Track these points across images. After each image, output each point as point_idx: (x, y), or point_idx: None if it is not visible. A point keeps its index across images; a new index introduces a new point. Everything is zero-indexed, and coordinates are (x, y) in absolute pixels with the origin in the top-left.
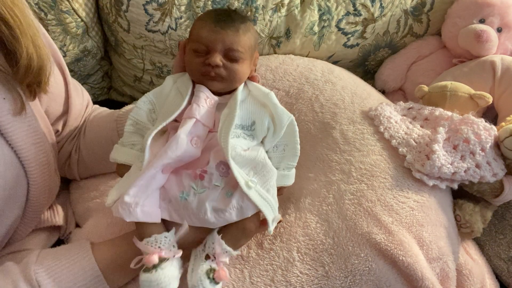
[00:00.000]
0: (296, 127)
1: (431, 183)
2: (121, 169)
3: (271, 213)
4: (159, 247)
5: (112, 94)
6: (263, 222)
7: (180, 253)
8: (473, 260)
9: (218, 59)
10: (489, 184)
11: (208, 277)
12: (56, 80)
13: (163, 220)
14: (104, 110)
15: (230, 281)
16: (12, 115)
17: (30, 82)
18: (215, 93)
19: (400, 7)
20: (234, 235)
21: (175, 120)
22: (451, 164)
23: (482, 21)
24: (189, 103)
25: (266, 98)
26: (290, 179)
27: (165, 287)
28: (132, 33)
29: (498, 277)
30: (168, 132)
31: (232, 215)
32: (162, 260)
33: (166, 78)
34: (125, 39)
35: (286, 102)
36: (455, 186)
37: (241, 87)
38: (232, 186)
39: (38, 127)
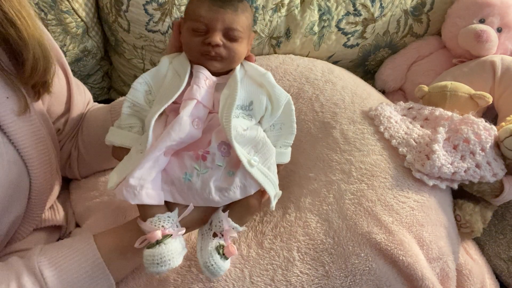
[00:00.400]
0: (293, 106)
1: (431, 183)
2: (118, 152)
3: (273, 190)
4: (162, 226)
5: (112, 94)
6: (263, 195)
7: (183, 230)
8: (473, 260)
9: (218, 38)
10: (489, 184)
11: (219, 253)
12: (59, 80)
13: (165, 202)
14: (100, 105)
15: (230, 280)
16: (15, 115)
17: (35, 83)
18: (213, 73)
19: (400, 7)
20: (239, 212)
21: (174, 102)
22: (451, 164)
23: (482, 21)
24: (188, 84)
25: (263, 78)
26: (286, 157)
27: (168, 261)
28: (132, 33)
29: (498, 277)
30: (167, 115)
31: (236, 194)
32: (165, 236)
33: (161, 59)
34: (125, 39)
35: None
36: (455, 186)
37: (238, 67)
38: (233, 165)
39: (40, 126)
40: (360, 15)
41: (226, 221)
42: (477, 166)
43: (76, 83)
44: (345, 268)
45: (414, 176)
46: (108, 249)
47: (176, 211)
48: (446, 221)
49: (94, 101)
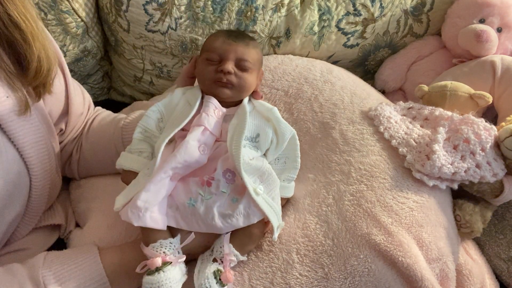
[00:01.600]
0: (298, 141)
1: (431, 183)
2: (127, 176)
3: (277, 220)
4: (163, 252)
5: (112, 94)
6: (266, 225)
7: (184, 258)
8: (473, 260)
9: (230, 66)
10: (489, 184)
11: (215, 277)
12: (59, 80)
13: (168, 227)
14: (108, 114)
15: (229, 284)
16: (15, 114)
17: (38, 84)
18: (222, 104)
19: (400, 7)
20: (241, 240)
21: (183, 130)
22: (451, 164)
23: (482, 21)
24: (198, 112)
25: (269, 113)
26: (290, 191)
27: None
28: (132, 33)
29: (498, 277)
30: (175, 141)
31: (239, 221)
32: (165, 263)
33: (175, 90)
34: (125, 39)
35: (285, 102)
36: (455, 186)
37: (246, 100)
38: (237, 192)
39: (40, 126)
40: (360, 15)
41: (227, 246)
42: (477, 166)
43: (73, 84)
44: (344, 270)
45: (414, 176)
46: (113, 267)
47: (178, 237)
48: (445, 222)
49: (94, 101)
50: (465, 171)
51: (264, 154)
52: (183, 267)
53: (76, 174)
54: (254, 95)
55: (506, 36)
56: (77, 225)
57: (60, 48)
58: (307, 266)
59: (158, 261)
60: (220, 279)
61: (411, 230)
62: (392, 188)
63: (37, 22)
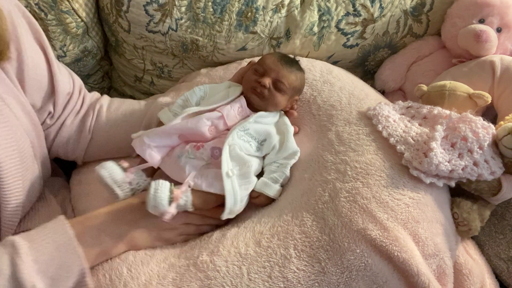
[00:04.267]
0: (297, 157)
1: (428, 180)
2: (159, 125)
3: (232, 204)
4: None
5: (112, 94)
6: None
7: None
8: (473, 260)
9: (267, 82)
10: (487, 182)
11: (170, 191)
12: (39, 61)
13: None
14: (129, 100)
15: (228, 277)
16: None
17: None
18: (252, 108)
19: (399, 7)
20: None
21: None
22: (448, 162)
23: (481, 21)
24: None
25: (285, 128)
26: (272, 190)
27: (107, 176)
28: (133, 34)
29: (498, 277)
30: None
31: (202, 184)
32: (124, 168)
33: (226, 81)
34: (126, 39)
35: None
36: (453, 184)
37: (274, 113)
38: (215, 166)
39: (3, 108)
40: (360, 15)
41: (191, 178)
42: (475, 164)
43: (58, 64)
44: (341, 264)
45: (410, 174)
46: (77, 224)
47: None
48: (442, 218)
49: None
50: (462, 169)
51: (264, 157)
52: (134, 179)
53: (81, 156)
54: (287, 114)
55: (506, 36)
56: None
57: (60, 48)
58: (304, 261)
59: (125, 164)
60: (172, 191)
61: (407, 225)
62: (388, 185)
63: None
